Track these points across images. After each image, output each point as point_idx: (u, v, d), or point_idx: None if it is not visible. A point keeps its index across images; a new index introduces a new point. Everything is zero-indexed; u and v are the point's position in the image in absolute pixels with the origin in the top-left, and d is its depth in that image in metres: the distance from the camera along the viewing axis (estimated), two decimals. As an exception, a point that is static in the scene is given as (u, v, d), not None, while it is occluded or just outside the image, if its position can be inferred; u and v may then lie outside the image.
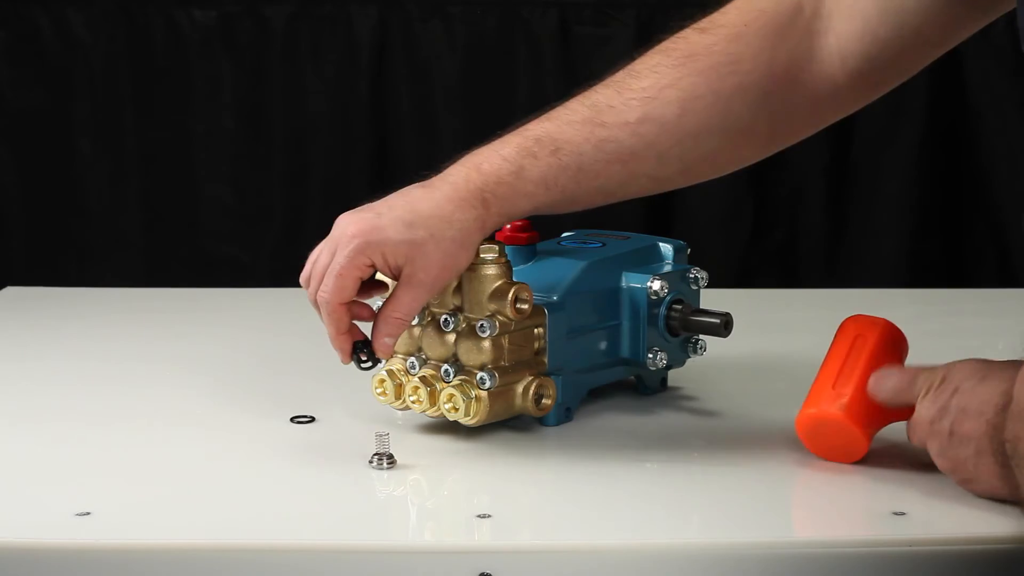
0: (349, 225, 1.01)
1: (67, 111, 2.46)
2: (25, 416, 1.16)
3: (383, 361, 1.06)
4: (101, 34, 2.44)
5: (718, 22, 1.01)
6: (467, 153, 1.04)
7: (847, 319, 1.03)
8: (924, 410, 0.92)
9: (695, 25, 1.02)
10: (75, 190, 2.48)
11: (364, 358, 1.03)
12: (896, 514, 0.90)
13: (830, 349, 1.02)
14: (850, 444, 0.98)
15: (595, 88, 1.04)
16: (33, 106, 2.46)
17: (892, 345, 1.01)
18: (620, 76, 1.03)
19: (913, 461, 0.97)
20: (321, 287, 1.01)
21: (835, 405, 0.97)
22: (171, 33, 2.45)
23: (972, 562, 0.86)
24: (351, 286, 1.00)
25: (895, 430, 0.98)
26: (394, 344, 1.03)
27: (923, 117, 2.40)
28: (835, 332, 1.03)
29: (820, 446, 1.00)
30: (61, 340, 1.44)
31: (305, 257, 1.04)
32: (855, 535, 0.89)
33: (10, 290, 1.67)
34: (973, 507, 0.91)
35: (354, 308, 1.03)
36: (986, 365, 0.90)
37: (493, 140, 1.04)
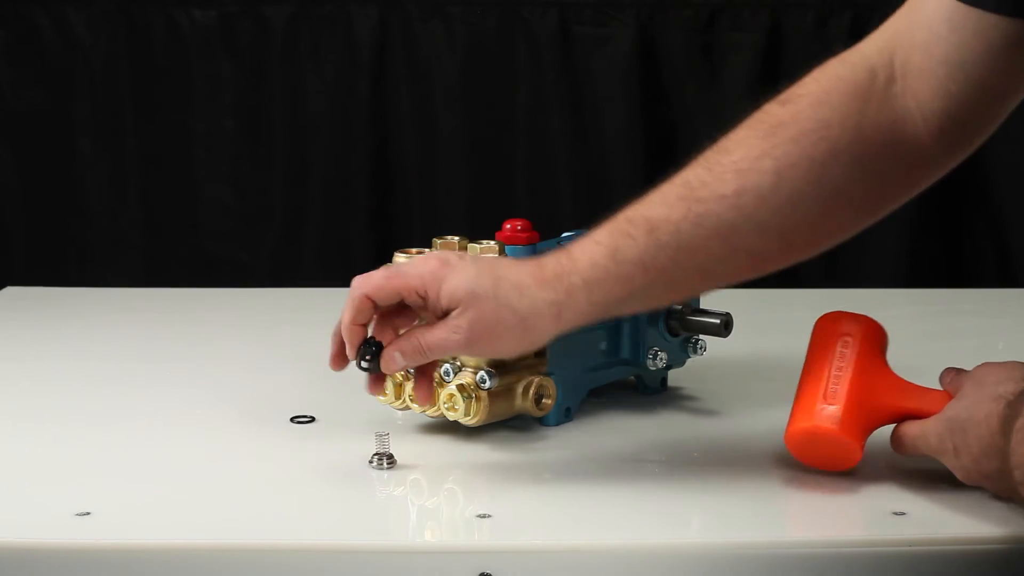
0: (435, 257, 0.97)
1: (67, 111, 2.46)
2: (25, 416, 1.16)
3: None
4: (101, 34, 2.44)
5: (798, 92, 0.99)
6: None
7: (824, 318, 1.02)
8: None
9: (774, 99, 1.00)
10: (75, 190, 2.48)
11: (368, 359, 0.98)
12: (896, 514, 0.90)
13: (811, 353, 1.01)
14: (844, 455, 0.97)
15: (682, 170, 1.00)
16: (33, 106, 2.46)
17: (876, 344, 1.00)
18: (707, 154, 0.99)
19: (913, 461, 0.97)
20: (364, 275, 0.97)
21: (829, 419, 0.96)
22: (171, 33, 2.45)
23: (972, 562, 0.86)
24: (388, 292, 0.96)
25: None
26: (401, 365, 0.98)
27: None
28: (813, 331, 1.02)
29: (811, 457, 0.99)
30: (61, 340, 1.44)
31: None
32: (855, 535, 0.89)
33: (10, 290, 1.67)
34: (973, 507, 0.91)
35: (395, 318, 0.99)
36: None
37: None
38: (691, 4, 2.44)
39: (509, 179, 2.46)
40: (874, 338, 1.00)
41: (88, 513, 0.90)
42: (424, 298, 0.95)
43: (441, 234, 1.10)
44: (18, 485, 0.99)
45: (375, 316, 0.98)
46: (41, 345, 1.42)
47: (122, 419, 1.15)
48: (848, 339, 0.99)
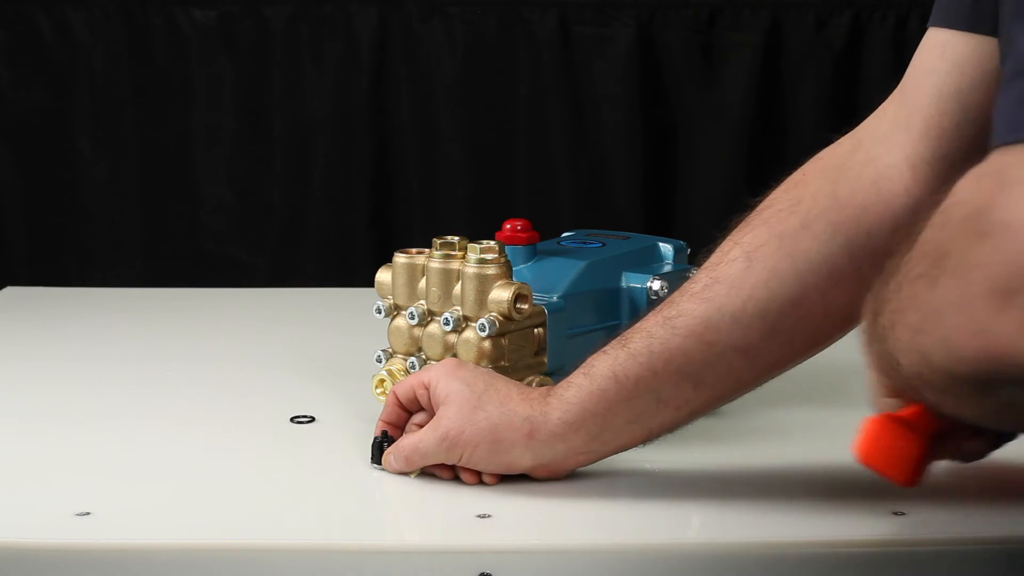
0: (454, 360, 1.02)
1: (67, 111, 2.46)
2: (25, 416, 1.16)
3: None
4: (101, 34, 2.44)
5: (778, 182, 0.98)
6: None
7: None
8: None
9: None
10: (75, 190, 2.48)
11: (374, 452, 1.00)
12: (896, 514, 0.90)
13: None
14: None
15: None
16: (33, 106, 2.46)
17: None
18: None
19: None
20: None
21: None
22: (171, 33, 2.45)
23: (972, 562, 0.86)
24: (405, 387, 0.99)
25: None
26: (394, 467, 0.98)
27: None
28: None
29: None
30: (61, 340, 1.44)
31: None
32: (855, 535, 0.89)
33: (10, 290, 1.67)
34: (973, 507, 0.91)
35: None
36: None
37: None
38: (691, 4, 2.44)
39: (509, 179, 2.46)
40: None
41: (88, 513, 0.90)
42: (428, 391, 0.97)
43: (441, 234, 1.10)
44: (18, 485, 0.99)
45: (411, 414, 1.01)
46: (41, 345, 1.42)
47: (122, 419, 1.15)
48: None
